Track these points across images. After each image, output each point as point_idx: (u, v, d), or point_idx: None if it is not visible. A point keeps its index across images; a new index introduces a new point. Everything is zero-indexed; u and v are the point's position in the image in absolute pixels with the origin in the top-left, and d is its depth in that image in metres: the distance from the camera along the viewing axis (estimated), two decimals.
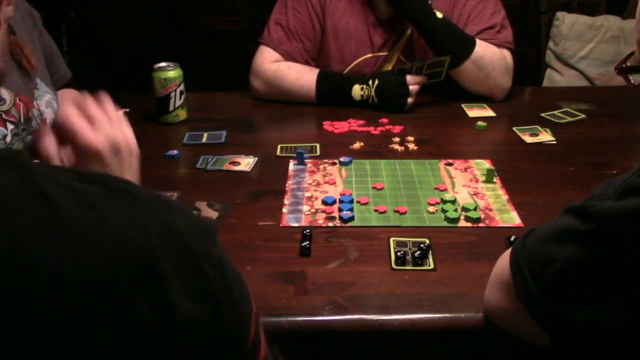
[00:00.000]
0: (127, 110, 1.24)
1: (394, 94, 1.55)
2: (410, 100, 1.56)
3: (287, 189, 1.19)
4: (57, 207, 0.45)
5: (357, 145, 1.38)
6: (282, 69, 1.63)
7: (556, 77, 2.36)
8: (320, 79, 1.61)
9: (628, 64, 1.02)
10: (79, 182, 0.49)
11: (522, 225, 1.06)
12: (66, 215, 0.45)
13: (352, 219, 1.08)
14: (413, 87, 1.55)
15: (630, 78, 1.10)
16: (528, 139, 1.42)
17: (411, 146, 1.37)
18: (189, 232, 0.51)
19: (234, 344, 0.53)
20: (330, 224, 1.07)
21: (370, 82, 1.58)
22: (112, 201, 0.49)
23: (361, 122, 1.51)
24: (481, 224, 1.07)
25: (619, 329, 0.64)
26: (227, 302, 0.52)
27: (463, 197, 1.15)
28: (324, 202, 1.13)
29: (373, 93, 1.58)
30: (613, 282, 0.63)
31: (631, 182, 0.63)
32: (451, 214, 1.07)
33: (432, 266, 0.94)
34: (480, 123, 1.50)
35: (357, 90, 1.59)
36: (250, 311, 0.56)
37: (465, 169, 1.26)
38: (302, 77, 1.62)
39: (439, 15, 1.54)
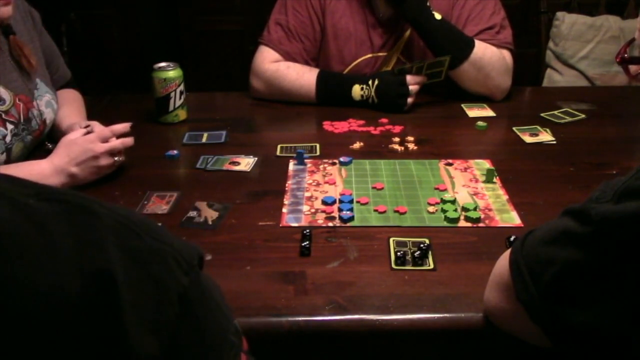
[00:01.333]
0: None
1: (394, 94, 1.55)
2: (410, 100, 1.56)
3: (287, 189, 1.19)
4: (0, 230, 0.42)
5: (357, 145, 1.38)
6: (282, 69, 1.63)
7: (556, 77, 2.36)
8: (320, 79, 1.61)
9: (627, 54, 1.02)
10: (37, 199, 0.46)
11: (522, 225, 1.06)
12: (8, 239, 0.42)
13: (352, 219, 1.08)
14: (413, 87, 1.55)
15: (630, 69, 1.10)
16: (528, 139, 1.42)
17: (411, 146, 1.37)
18: (154, 258, 0.48)
19: None
20: (330, 224, 1.07)
21: (370, 82, 1.58)
22: (69, 222, 0.45)
23: (361, 122, 1.51)
24: (481, 224, 1.07)
25: (618, 331, 0.64)
26: (189, 339, 0.48)
27: (463, 197, 1.15)
28: (324, 202, 1.13)
29: (373, 93, 1.58)
30: (611, 285, 0.63)
31: (630, 185, 0.63)
32: (451, 214, 1.07)
33: (432, 266, 0.94)
34: (480, 123, 1.50)
35: (357, 90, 1.59)
36: (228, 351, 0.52)
37: (465, 169, 1.26)
38: (302, 77, 1.62)
39: (438, 16, 1.54)
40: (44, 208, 0.45)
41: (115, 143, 1.20)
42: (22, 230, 0.43)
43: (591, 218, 0.64)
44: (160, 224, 0.54)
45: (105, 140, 1.19)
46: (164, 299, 0.47)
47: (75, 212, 0.47)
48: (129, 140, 1.22)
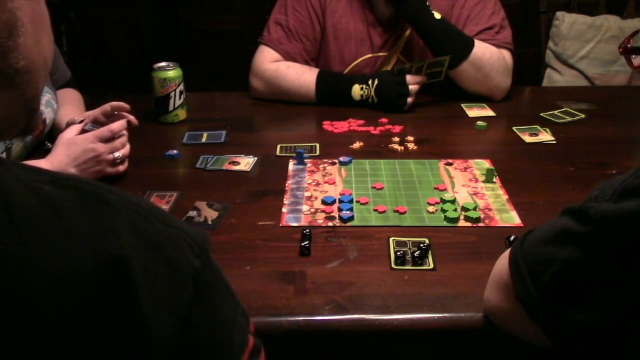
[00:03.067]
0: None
1: (394, 94, 1.55)
2: (410, 100, 1.56)
3: (287, 189, 1.19)
4: (16, 213, 0.43)
5: (357, 145, 1.38)
6: (282, 69, 1.63)
7: (556, 77, 2.36)
8: (320, 78, 1.61)
9: (632, 46, 1.02)
10: (52, 186, 0.47)
11: (522, 225, 1.06)
12: (25, 223, 0.43)
13: (352, 219, 1.08)
14: (413, 87, 1.55)
15: (633, 59, 1.09)
16: (528, 139, 1.42)
17: (411, 146, 1.37)
18: (168, 242, 0.49)
19: None
20: (330, 224, 1.07)
21: (370, 82, 1.58)
22: (83, 208, 0.46)
23: (361, 122, 1.51)
24: (481, 224, 1.07)
25: (617, 330, 0.64)
26: (203, 321, 0.49)
27: (463, 197, 1.15)
28: (324, 202, 1.13)
29: (373, 93, 1.58)
30: (611, 284, 0.63)
31: (629, 185, 0.63)
32: (451, 214, 1.07)
33: (432, 266, 0.94)
34: (480, 123, 1.50)
35: (357, 90, 1.59)
36: (237, 342, 0.53)
37: (465, 169, 1.26)
38: (302, 77, 1.62)
39: (438, 16, 1.54)
40: (58, 194, 0.46)
41: (115, 143, 1.19)
42: (38, 214, 0.44)
43: (591, 217, 0.64)
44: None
45: (104, 140, 1.19)
46: (179, 281, 0.48)
47: (89, 199, 0.48)
48: (125, 135, 1.22)
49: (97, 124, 1.23)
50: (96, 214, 0.47)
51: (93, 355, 0.44)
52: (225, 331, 0.52)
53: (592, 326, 0.65)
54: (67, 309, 0.43)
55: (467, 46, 1.56)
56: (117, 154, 1.20)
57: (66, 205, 0.46)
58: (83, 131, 1.20)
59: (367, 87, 1.58)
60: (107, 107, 1.24)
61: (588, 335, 0.66)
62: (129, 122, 1.25)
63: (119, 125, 1.21)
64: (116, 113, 1.26)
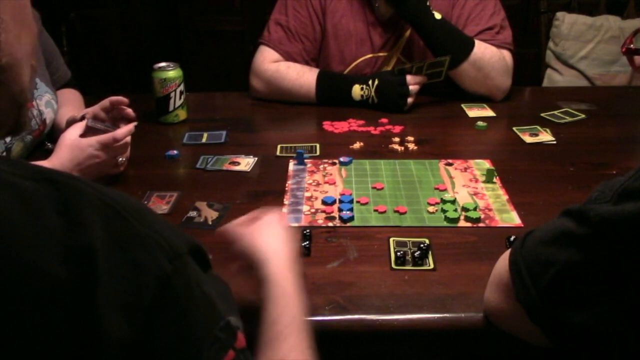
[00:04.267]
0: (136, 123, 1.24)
1: (394, 94, 1.55)
2: (410, 100, 1.56)
3: (287, 189, 1.19)
4: None
5: (357, 145, 1.38)
6: (282, 69, 1.63)
7: (556, 77, 2.36)
8: (320, 78, 1.61)
9: (633, 44, 1.02)
10: (32, 180, 0.47)
11: (522, 225, 1.06)
12: None
13: (352, 219, 1.08)
14: (413, 87, 1.55)
15: (635, 60, 1.09)
16: (528, 139, 1.42)
17: (411, 146, 1.37)
18: (138, 243, 0.48)
19: None
20: (330, 224, 1.07)
21: (370, 82, 1.58)
22: (56, 201, 0.46)
23: (361, 122, 1.51)
24: (481, 224, 1.07)
25: (617, 332, 0.64)
26: (166, 327, 0.48)
27: (463, 197, 1.15)
28: (324, 202, 1.13)
29: (373, 93, 1.58)
30: (610, 286, 0.63)
31: (628, 186, 0.63)
32: (451, 214, 1.07)
33: (432, 266, 0.94)
34: (480, 123, 1.50)
35: (357, 90, 1.59)
36: (205, 355, 0.50)
37: (465, 169, 1.26)
38: (302, 77, 1.62)
39: (438, 16, 1.54)
40: (35, 188, 0.46)
41: (118, 146, 1.18)
42: (10, 209, 0.44)
43: (590, 219, 0.64)
44: (156, 213, 0.55)
45: (109, 145, 1.16)
46: (140, 283, 0.47)
47: (64, 191, 0.47)
48: (128, 139, 1.21)
49: (96, 120, 1.22)
50: (69, 207, 0.46)
51: (43, 348, 0.43)
52: (190, 344, 0.50)
53: (591, 328, 0.65)
54: (31, 304, 0.42)
55: (467, 46, 1.56)
56: (120, 158, 1.20)
57: (40, 199, 0.46)
58: (86, 127, 1.18)
59: (367, 87, 1.58)
60: (105, 102, 1.23)
61: (587, 336, 0.66)
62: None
63: (123, 132, 1.18)
64: (115, 108, 1.25)
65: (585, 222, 0.64)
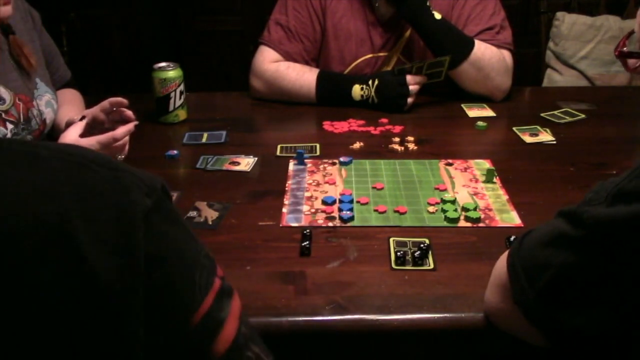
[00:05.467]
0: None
1: (394, 94, 1.55)
2: (410, 100, 1.56)
3: (287, 189, 1.19)
4: None
5: (357, 145, 1.38)
6: (281, 69, 1.63)
7: (556, 77, 2.36)
8: (320, 78, 1.61)
9: (627, 47, 1.01)
10: None
11: (522, 225, 1.06)
12: None
13: (352, 219, 1.08)
14: (413, 87, 1.55)
15: (628, 63, 1.09)
16: (528, 139, 1.42)
17: (411, 146, 1.37)
18: (111, 186, 0.48)
19: (164, 311, 0.50)
20: (330, 224, 1.07)
21: (370, 82, 1.58)
22: (15, 170, 0.47)
23: (361, 122, 1.51)
24: (481, 224, 1.07)
25: (613, 333, 0.64)
26: (159, 254, 0.49)
27: (463, 197, 1.15)
28: (324, 202, 1.13)
29: (373, 93, 1.58)
30: (605, 287, 0.63)
31: (622, 188, 0.62)
32: (451, 214, 1.07)
33: (432, 266, 0.94)
34: (480, 123, 1.50)
35: (357, 90, 1.59)
36: (200, 282, 0.52)
37: (465, 169, 1.26)
38: (302, 77, 1.62)
39: (438, 16, 1.54)
40: None
41: (116, 146, 1.18)
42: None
43: (583, 221, 0.64)
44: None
45: (108, 145, 1.17)
46: (126, 222, 0.47)
47: (21, 159, 0.47)
48: (127, 138, 1.21)
49: (96, 121, 1.22)
50: (29, 174, 0.47)
51: (43, 313, 0.44)
52: (184, 268, 0.52)
53: (587, 329, 0.65)
54: (9, 274, 0.43)
55: (467, 46, 1.56)
56: (119, 156, 1.20)
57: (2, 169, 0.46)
58: (86, 125, 1.18)
59: (367, 87, 1.58)
60: (105, 103, 1.23)
61: (584, 337, 0.66)
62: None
63: (122, 131, 1.18)
64: (115, 109, 1.25)
65: (579, 224, 0.64)
